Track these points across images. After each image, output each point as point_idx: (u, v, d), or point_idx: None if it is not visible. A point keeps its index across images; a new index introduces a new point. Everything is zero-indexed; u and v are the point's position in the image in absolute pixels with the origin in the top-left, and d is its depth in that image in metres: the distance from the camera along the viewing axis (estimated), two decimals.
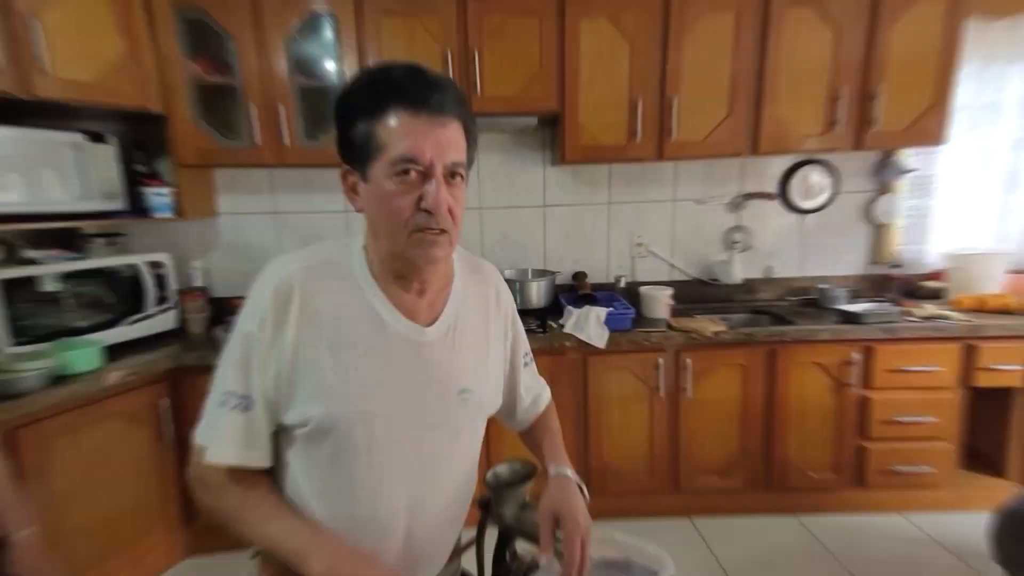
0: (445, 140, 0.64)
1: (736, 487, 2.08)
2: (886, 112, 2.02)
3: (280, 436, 0.71)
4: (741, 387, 2.02)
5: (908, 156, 2.31)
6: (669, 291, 2.16)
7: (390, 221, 0.65)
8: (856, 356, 1.96)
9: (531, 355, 0.92)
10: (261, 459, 0.69)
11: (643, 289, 2.19)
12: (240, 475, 0.68)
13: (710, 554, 1.89)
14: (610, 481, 2.05)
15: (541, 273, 2.37)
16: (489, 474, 0.85)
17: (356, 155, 0.66)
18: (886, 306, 2.06)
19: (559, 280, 2.39)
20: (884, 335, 1.93)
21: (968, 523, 1.95)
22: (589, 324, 1.95)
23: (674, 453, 2.06)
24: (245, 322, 0.68)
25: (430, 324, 0.73)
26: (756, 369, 2.00)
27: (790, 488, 2.08)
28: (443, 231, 0.66)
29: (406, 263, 0.68)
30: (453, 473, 0.77)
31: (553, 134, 2.27)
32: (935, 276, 2.34)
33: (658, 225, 2.45)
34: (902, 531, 1.98)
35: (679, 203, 2.43)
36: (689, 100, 2.04)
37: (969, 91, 2.22)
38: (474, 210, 2.41)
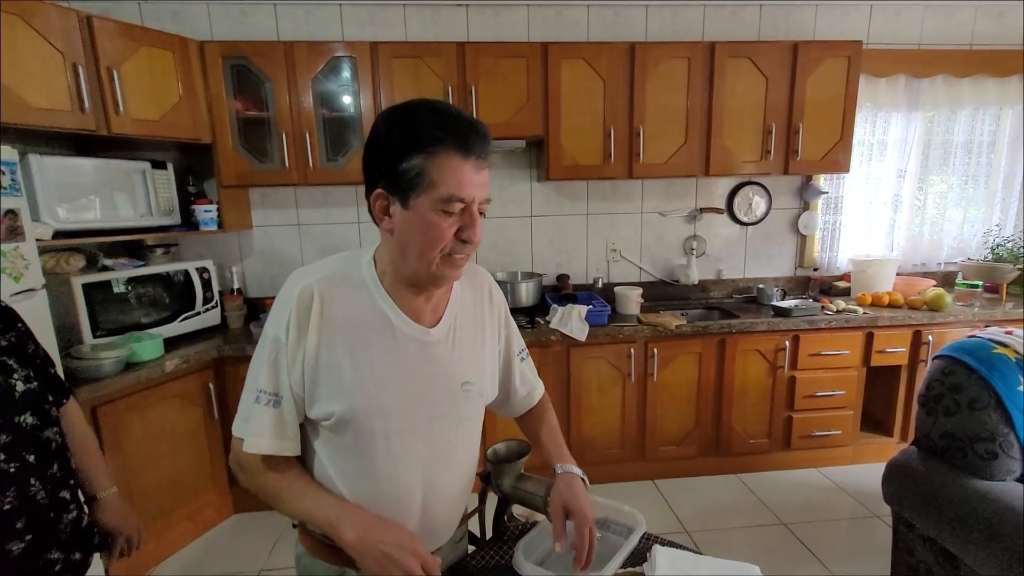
0: (483, 182, 0.72)
1: (691, 454, 2.51)
2: (805, 145, 2.48)
3: (307, 427, 0.79)
4: (696, 371, 2.44)
5: (822, 181, 2.81)
6: (639, 290, 2.54)
7: (429, 246, 0.71)
8: (786, 343, 2.42)
9: (526, 351, 1.00)
10: (292, 448, 0.77)
11: (617, 289, 2.57)
12: (274, 461, 0.76)
13: (669, 509, 2.30)
14: (588, 453, 2.43)
15: (529, 275, 2.72)
16: (489, 451, 0.98)
17: (400, 184, 0.69)
18: (809, 302, 2.52)
19: (545, 281, 2.77)
20: (807, 326, 2.40)
21: (865, 473, 2.47)
22: (572, 320, 2.30)
23: (641, 428, 2.46)
24: (272, 327, 0.74)
25: (434, 325, 0.80)
26: (709, 356, 2.42)
27: (733, 453, 2.53)
28: (467, 255, 0.75)
29: (431, 278, 0.75)
30: (459, 455, 0.85)
31: (539, 155, 2.62)
32: (844, 277, 2.85)
33: (629, 234, 2.85)
34: (817, 482, 2.47)
35: (646, 215, 2.84)
36: (653, 129, 2.43)
37: (864, 131, 2.76)
38: None
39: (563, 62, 2.34)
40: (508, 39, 2.54)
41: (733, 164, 2.50)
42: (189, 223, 2.25)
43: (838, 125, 2.50)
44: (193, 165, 2.38)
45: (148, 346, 1.92)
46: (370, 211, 0.75)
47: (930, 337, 2.42)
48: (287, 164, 2.27)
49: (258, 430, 0.74)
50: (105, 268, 1.99)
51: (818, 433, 2.50)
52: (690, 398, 2.46)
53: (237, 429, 0.76)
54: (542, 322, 2.35)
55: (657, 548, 0.92)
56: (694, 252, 2.84)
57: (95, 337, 1.87)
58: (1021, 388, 1.44)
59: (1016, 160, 2.89)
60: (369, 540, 0.70)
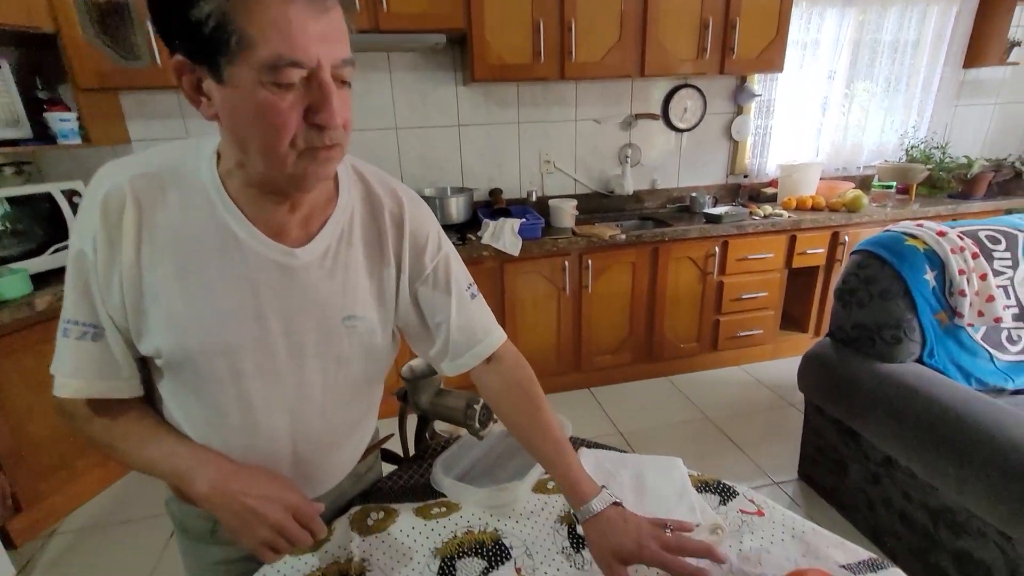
0: (332, 32, 0.49)
1: (625, 361, 2.59)
2: (741, 43, 2.38)
3: (149, 364, 0.63)
4: (630, 281, 2.45)
5: (756, 84, 2.76)
6: (573, 202, 2.47)
7: (270, 138, 0.50)
8: (716, 250, 2.46)
9: (475, 290, 0.76)
10: (124, 390, 0.61)
11: (551, 202, 2.48)
12: (104, 405, 0.61)
13: (604, 414, 2.40)
14: None
15: (460, 190, 2.57)
16: (404, 368, 0.92)
17: (201, 46, 0.47)
18: (738, 209, 2.55)
19: (477, 197, 2.62)
20: (736, 231, 2.43)
21: (783, 367, 2.65)
22: (504, 234, 2.23)
23: (577, 339, 2.49)
24: (77, 240, 0.56)
25: (303, 244, 0.61)
26: (642, 265, 2.43)
27: (665, 358, 2.63)
28: (336, 145, 0.54)
29: (290, 180, 0.54)
30: (344, 399, 0.70)
31: (463, 54, 2.38)
32: (772, 184, 2.90)
33: (563, 144, 2.72)
34: (740, 379, 2.64)
35: (580, 123, 2.70)
36: (585, 24, 2.23)
37: (799, 28, 2.68)
38: (390, 131, 2.51)
39: None
40: None
41: (669, 63, 2.37)
42: (44, 136, 1.87)
43: (774, 21, 2.39)
44: (41, 64, 1.92)
45: (11, 282, 1.65)
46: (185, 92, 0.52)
47: (846, 237, 2.53)
48: (159, 62, 1.91)
49: (70, 369, 0.59)
50: None
51: (742, 334, 2.63)
52: (624, 308, 2.49)
53: (52, 367, 0.60)
54: (474, 238, 2.26)
55: (583, 451, 0.90)
56: (629, 161, 2.76)
57: None
58: (927, 276, 1.51)
59: (936, 61, 2.94)
60: (227, 492, 0.59)
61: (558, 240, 2.29)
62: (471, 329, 0.74)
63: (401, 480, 0.88)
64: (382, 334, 0.70)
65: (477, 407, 0.87)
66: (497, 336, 0.76)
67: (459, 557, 0.71)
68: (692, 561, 0.60)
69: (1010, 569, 1.14)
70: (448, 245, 0.74)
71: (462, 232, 2.32)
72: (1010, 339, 1.56)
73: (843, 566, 0.66)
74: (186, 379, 0.61)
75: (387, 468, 0.93)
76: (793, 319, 2.81)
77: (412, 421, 1.00)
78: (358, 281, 0.66)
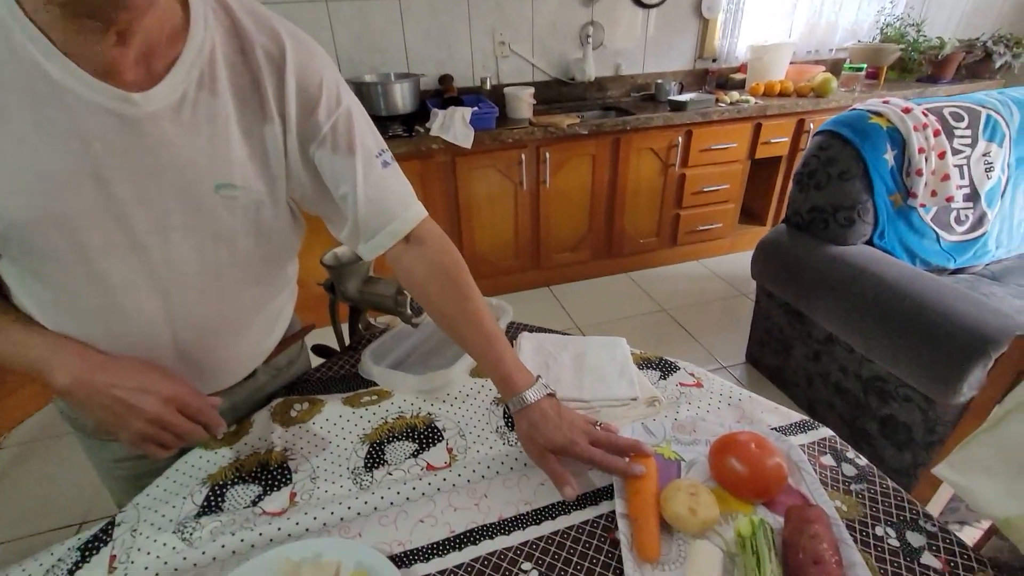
0: None
1: (584, 258, 2.56)
2: None
3: None
4: (590, 175, 2.35)
5: None
6: (531, 91, 2.26)
7: None
8: (679, 140, 2.35)
9: (388, 157, 0.64)
10: None
11: (507, 90, 2.27)
12: None
13: (563, 311, 2.41)
14: (482, 267, 2.39)
15: (404, 76, 2.32)
16: (327, 255, 0.83)
17: None
18: (704, 96, 2.41)
19: (425, 84, 2.38)
20: (700, 119, 2.31)
21: (740, 261, 2.69)
22: (455, 125, 2.05)
23: (535, 237, 2.43)
24: None
25: (147, 88, 0.49)
26: (603, 158, 2.31)
27: (624, 254, 2.61)
28: None
29: None
30: (233, 282, 0.61)
31: None
32: (740, 69, 2.74)
33: (519, 20, 2.44)
34: (697, 272, 2.67)
35: None
36: None
37: None
38: (319, 2, 2.19)
39: None
40: None
41: None
42: None
43: None
44: None
45: None
46: None
47: (811, 125, 2.45)
48: None
49: None
50: None
51: (702, 228, 2.61)
52: (583, 203, 2.41)
53: None
54: (421, 130, 2.07)
55: (524, 335, 0.86)
56: (591, 42, 2.53)
57: None
58: (886, 156, 1.47)
59: None
60: (92, 384, 0.52)
61: (514, 131, 2.13)
62: (383, 202, 0.62)
63: (331, 371, 0.82)
64: (272, 208, 0.59)
65: (408, 293, 0.80)
66: (416, 211, 0.65)
67: (389, 442, 0.68)
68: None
69: (928, 428, 1.23)
70: (351, 99, 0.61)
71: (408, 124, 2.13)
72: (958, 219, 1.57)
73: (775, 428, 0.66)
74: (18, 257, 0.51)
75: (319, 364, 0.88)
76: (752, 213, 2.80)
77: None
78: (230, 139, 0.53)
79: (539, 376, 0.62)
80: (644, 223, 2.55)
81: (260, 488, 0.61)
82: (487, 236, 2.34)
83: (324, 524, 0.56)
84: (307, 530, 0.55)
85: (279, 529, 0.55)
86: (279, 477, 0.63)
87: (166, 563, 0.52)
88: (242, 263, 0.60)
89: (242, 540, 0.53)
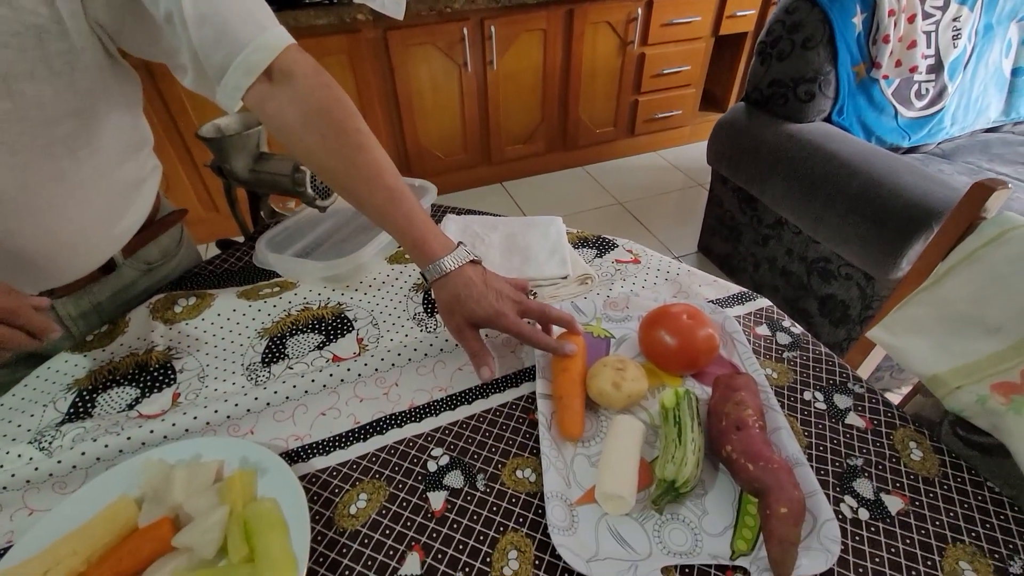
0: None
1: (538, 151, 2.41)
2: None
3: None
4: (541, 54, 2.13)
5: None
6: None
7: None
8: (639, 12, 2.12)
9: None
10: None
11: None
12: None
13: (517, 208, 2.31)
14: (428, 162, 2.22)
15: None
16: (205, 127, 0.70)
17: None
18: None
19: None
20: None
21: (698, 151, 2.58)
22: None
23: (484, 128, 2.24)
24: None
25: None
26: (555, 33, 2.08)
27: (580, 146, 2.47)
28: None
29: None
30: (35, 144, 0.47)
31: None
32: None
33: None
34: (655, 164, 2.57)
35: None
36: None
37: None
38: None
39: None
40: None
41: None
42: None
43: None
44: None
45: None
46: None
47: None
48: None
49: None
50: None
51: (660, 115, 2.47)
52: (535, 88, 2.21)
53: None
54: None
55: (449, 216, 0.78)
56: None
57: None
58: (855, 20, 1.35)
59: None
60: None
61: None
62: (225, 22, 0.45)
63: (227, 264, 0.72)
64: (62, 39, 0.44)
65: (308, 169, 0.69)
66: (275, 36, 0.47)
67: (291, 335, 0.60)
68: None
69: (865, 305, 1.25)
70: None
71: None
72: (918, 94, 1.50)
73: (712, 301, 0.62)
74: None
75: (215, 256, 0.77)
76: (714, 99, 2.66)
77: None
78: None
79: (461, 243, 0.53)
80: (601, 111, 2.39)
81: (138, 391, 0.54)
82: (432, 127, 2.15)
83: (208, 423, 0.50)
84: (187, 431, 0.49)
85: (151, 432, 0.48)
86: (160, 378, 0.55)
87: (13, 475, 0.45)
88: (35, 117, 0.46)
89: (106, 446, 0.46)
